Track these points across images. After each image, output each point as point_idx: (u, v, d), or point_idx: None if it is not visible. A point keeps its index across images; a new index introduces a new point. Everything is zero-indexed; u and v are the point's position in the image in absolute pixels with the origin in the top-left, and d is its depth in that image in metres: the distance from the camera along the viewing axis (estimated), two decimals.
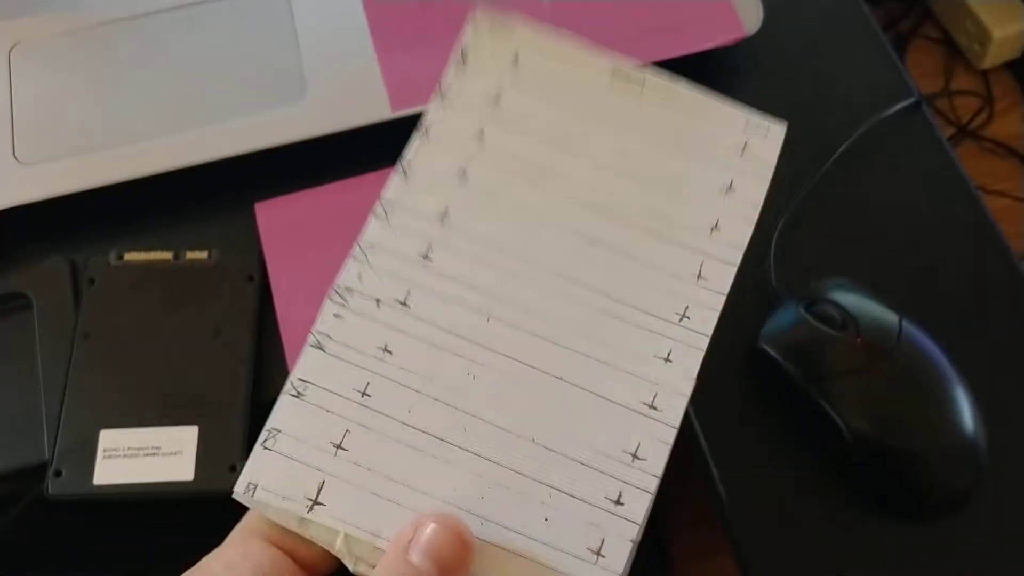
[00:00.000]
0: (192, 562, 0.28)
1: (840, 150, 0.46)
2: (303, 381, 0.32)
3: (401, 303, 0.33)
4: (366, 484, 0.30)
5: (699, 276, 0.34)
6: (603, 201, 0.34)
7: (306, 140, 0.46)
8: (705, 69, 0.50)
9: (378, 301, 0.33)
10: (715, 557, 0.58)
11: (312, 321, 0.34)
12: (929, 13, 0.91)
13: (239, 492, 0.30)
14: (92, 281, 0.44)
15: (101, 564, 0.52)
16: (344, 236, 0.45)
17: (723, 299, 0.33)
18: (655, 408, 0.32)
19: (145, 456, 0.40)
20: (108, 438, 0.40)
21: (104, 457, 0.40)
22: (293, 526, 0.30)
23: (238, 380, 0.42)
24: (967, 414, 0.38)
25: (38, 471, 0.40)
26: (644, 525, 0.30)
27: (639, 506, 0.30)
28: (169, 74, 0.49)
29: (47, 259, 0.45)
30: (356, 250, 0.34)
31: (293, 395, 0.31)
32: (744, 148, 0.36)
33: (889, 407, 0.38)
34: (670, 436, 0.31)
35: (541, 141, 0.35)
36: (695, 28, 0.48)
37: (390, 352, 0.32)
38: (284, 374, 0.42)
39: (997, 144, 0.85)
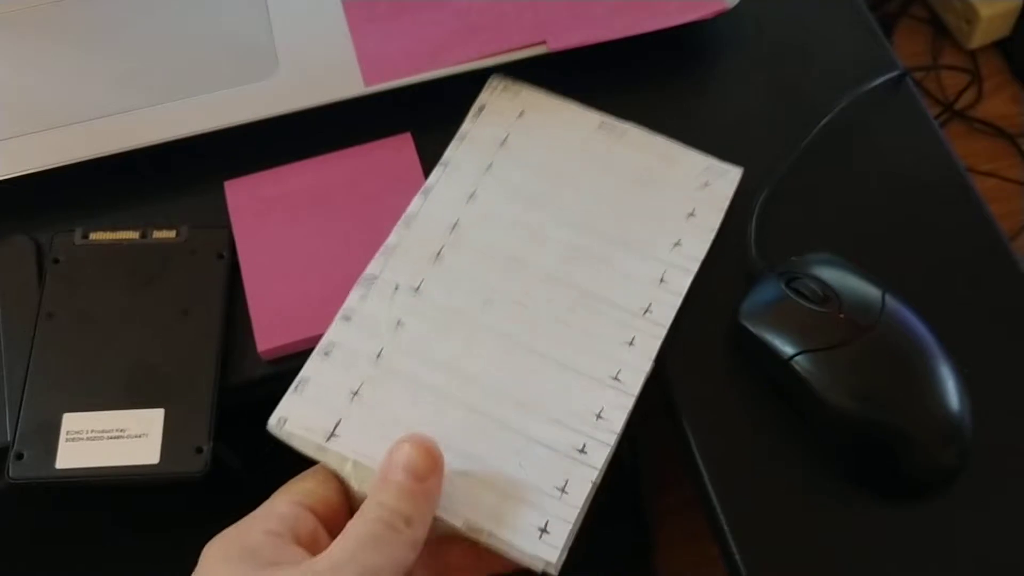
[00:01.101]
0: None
1: (821, 123, 0.45)
2: (331, 343, 0.40)
3: (414, 289, 0.41)
4: (374, 424, 0.38)
5: (661, 280, 0.42)
6: (585, 220, 0.43)
7: (277, 116, 0.45)
8: (688, 43, 0.49)
9: (396, 286, 0.41)
10: (700, 542, 0.58)
11: (281, 301, 0.42)
12: None
13: (272, 425, 0.38)
14: (56, 260, 0.43)
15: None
16: (314, 214, 0.44)
17: (681, 299, 0.41)
18: (619, 380, 0.40)
19: (109, 439, 0.39)
20: (71, 421, 0.39)
21: (67, 440, 0.39)
22: (311, 452, 0.37)
23: (206, 361, 0.40)
24: (952, 390, 0.37)
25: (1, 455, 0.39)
26: (603, 473, 0.37)
27: (599, 455, 0.38)
28: (136, 50, 0.47)
29: (11, 237, 0.44)
30: (382, 249, 0.42)
31: (321, 353, 0.40)
32: (706, 185, 0.44)
33: (872, 382, 0.37)
34: (630, 402, 0.39)
35: (537, 174, 0.45)
36: (670, 2, 0.47)
37: (403, 326, 0.40)
38: (252, 355, 0.41)
39: (986, 124, 0.84)
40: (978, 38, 0.85)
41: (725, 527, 0.38)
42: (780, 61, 0.49)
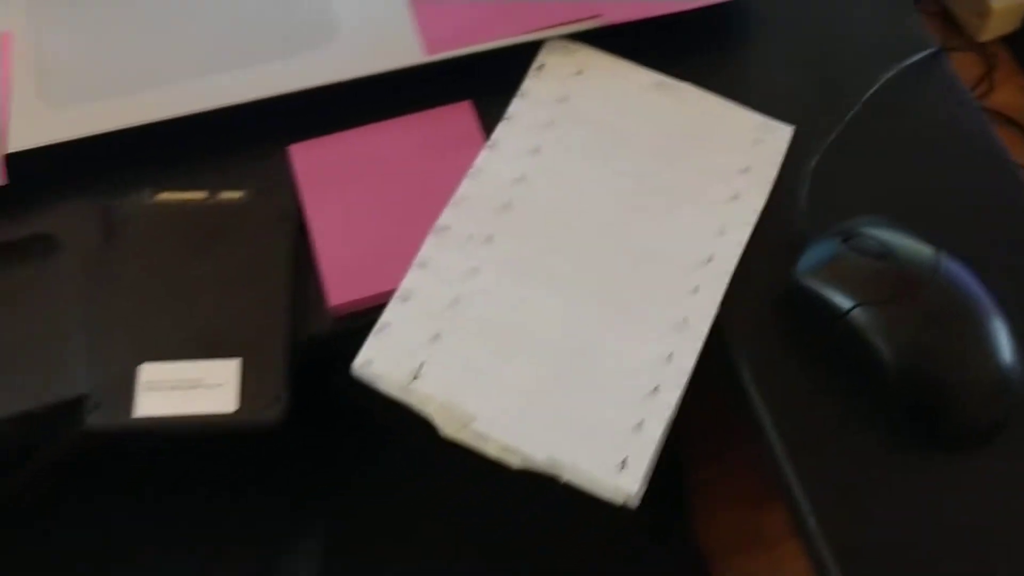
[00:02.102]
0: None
1: (868, 94, 0.47)
2: (409, 290, 0.41)
3: (487, 240, 0.43)
4: (456, 366, 0.40)
5: (722, 232, 0.43)
6: (645, 174, 0.45)
7: (339, 83, 0.46)
8: (732, 20, 0.51)
9: (469, 236, 0.43)
10: (739, 509, 0.59)
11: (350, 259, 0.43)
12: None
13: (357, 366, 0.39)
14: (125, 221, 0.44)
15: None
16: (378, 176, 0.45)
17: (741, 249, 0.43)
18: (687, 325, 0.41)
19: (187, 388, 0.40)
20: (148, 371, 0.40)
21: (145, 389, 0.40)
22: (396, 392, 0.39)
23: (278, 315, 0.41)
24: (1004, 345, 0.39)
25: (72, 407, 0.40)
26: (676, 411, 0.39)
27: (672, 395, 0.40)
28: (200, 18, 0.48)
29: (77, 201, 0.45)
30: (452, 201, 0.44)
31: (401, 299, 0.41)
32: (759, 141, 0.46)
33: (927, 336, 0.38)
34: (698, 345, 0.41)
35: (597, 129, 0.46)
36: None
37: (477, 272, 0.42)
38: (321, 312, 0.42)
39: (996, 114, 0.86)
40: (989, 31, 0.87)
41: (788, 471, 0.39)
42: (822, 35, 0.50)
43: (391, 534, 0.53)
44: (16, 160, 0.44)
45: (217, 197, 0.44)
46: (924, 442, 0.39)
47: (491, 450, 0.38)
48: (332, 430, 0.54)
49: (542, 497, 0.42)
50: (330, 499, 0.53)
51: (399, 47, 0.47)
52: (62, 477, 0.48)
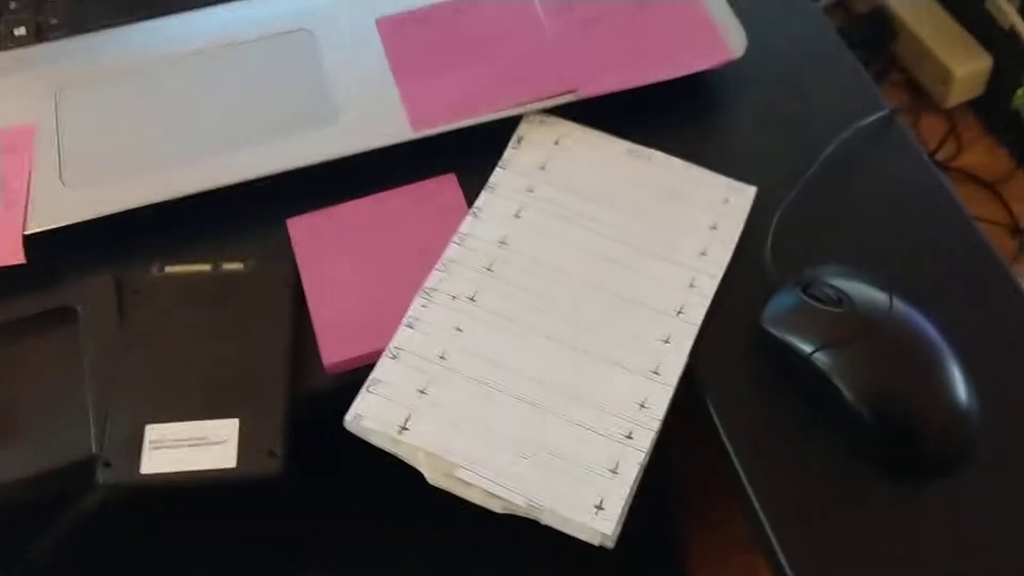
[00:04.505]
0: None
1: (824, 154, 0.51)
2: (398, 348, 0.44)
3: (470, 298, 0.46)
4: (441, 417, 0.42)
5: (691, 285, 0.47)
6: (620, 233, 0.48)
7: (333, 160, 0.50)
8: (698, 89, 0.55)
9: (454, 297, 0.46)
10: (732, 558, 0.60)
11: (343, 321, 0.46)
12: (893, 59, 0.98)
13: (348, 421, 0.42)
14: (136, 292, 0.47)
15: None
16: (369, 245, 0.49)
17: (710, 300, 0.46)
18: (658, 373, 0.44)
19: (189, 446, 0.42)
20: (154, 431, 0.43)
21: (151, 448, 0.42)
22: (386, 445, 0.42)
23: (276, 374, 0.44)
24: (957, 378, 0.41)
25: (85, 466, 0.42)
26: (649, 455, 0.41)
27: (645, 439, 0.42)
28: (205, 105, 0.52)
29: (93, 275, 0.48)
30: (439, 264, 0.47)
31: (390, 357, 0.44)
32: (726, 201, 0.50)
33: (885, 372, 0.41)
34: (670, 392, 0.43)
35: (574, 193, 0.50)
36: (689, 53, 0.53)
37: (461, 330, 0.45)
38: (318, 371, 0.45)
39: (964, 174, 0.90)
40: (953, 97, 0.92)
41: (755, 503, 0.41)
42: (783, 101, 0.54)
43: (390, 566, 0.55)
44: (34, 240, 0.47)
45: (221, 268, 0.48)
46: (890, 475, 0.42)
47: (475, 496, 0.40)
48: (334, 474, 0.56)
49: (535, 537, 0.44)
50: (332, 535, 0.55)
51: (388, 125, 0.51)
52: (78, 544, 0.50)
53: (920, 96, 0.96)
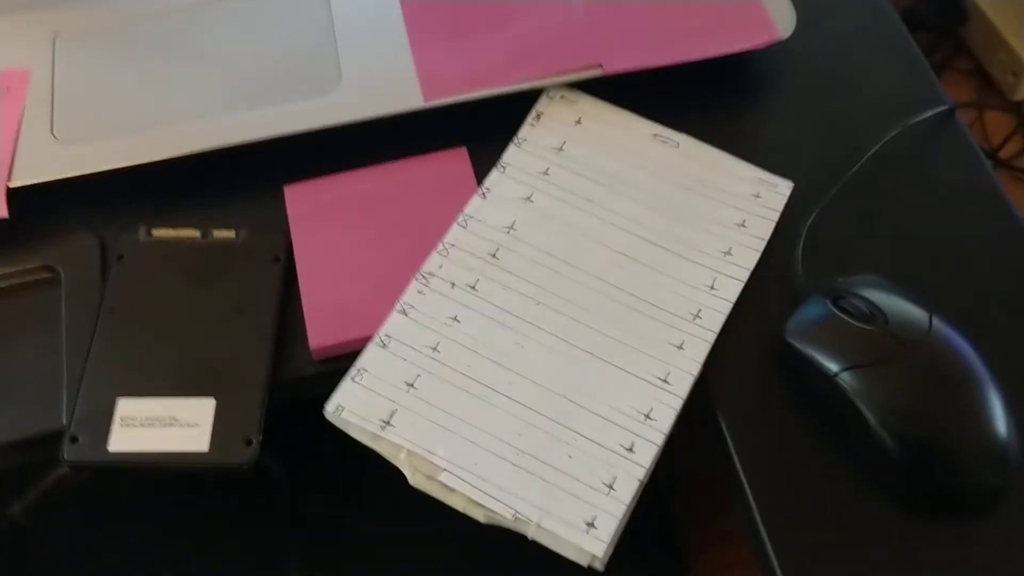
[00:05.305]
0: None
1: (871, 152, 0.46)
2: (388, 336, 0.41)
3: (471, 287, 0.42)
4: (428, 415, 0.39)
5: (712, 287, 0.42)
6: (638, 226, 0.44)
7: (337, 127, 0.47)
8: (737, 72, 0.50)
9: (453, 284, 0.42)
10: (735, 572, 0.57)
11: (334, 302, 0.43)
12: (962, 45, 0.91)
13: (329, 412, 0.39)
14: (120, 256, 0.44)
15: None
16: (369, 220, 0.46)
17: (731, 306, 0.42)
18: (667, 382, 0.40)
19: (162, 426, 0.40)
20: (126, 406, 0.40)
21: (121, 425, 0.40)
22: (366, 440, 0.38)
23: (259, 356, 0.41)
24: (998, 412, 0.37)
25: (55, 439, 0.40)
26: (650, 471, 0.38)
27: (647, 454, 0.38)
28: (207, 62, 0.49)
29: (77, 235, 0.46)
30: (440, 247, 0.44)
31: (379, 345, 0.41)
32: (757, 196, 0.45)
33: (917, 400, 0.37)
34: (678, 404, 0.39)
35: (592, 179, 0.46)
36: (731, 31, 0.48)
37: (458, 321, 0.41)
38: (304, 354, 0.42)
39: None
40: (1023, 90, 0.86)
41: (764, 534, 0.37)
42: (831, 90, 0.49)
43: (373, 559, 0.52)
44: (18, 193, 0.45)
45: (211, 236, 0.45)
46: (916, 511, 0.38)
47: (457, 503, 0.37)
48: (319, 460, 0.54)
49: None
50: (312, 525, 0.53)
51: (399, 93, 0.47)
52: (48, 514, 0.48)
53: (988, 87, 0.89)
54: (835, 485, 0.38)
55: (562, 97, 0.48)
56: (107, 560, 0.55)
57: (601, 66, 0.47)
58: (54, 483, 0.48)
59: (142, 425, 0.40)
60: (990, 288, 0.43)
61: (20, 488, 0.51)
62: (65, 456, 0.39)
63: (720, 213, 0.44)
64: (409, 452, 0.38)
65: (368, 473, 0.52)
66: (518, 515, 0.36)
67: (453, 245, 0.43)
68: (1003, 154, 0.85)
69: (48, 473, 0.49)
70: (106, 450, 0.39)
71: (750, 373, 0.41)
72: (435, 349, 0.41)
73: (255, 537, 0.56)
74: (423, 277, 0.43)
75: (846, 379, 0.38)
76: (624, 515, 0.36)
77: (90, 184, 0.45)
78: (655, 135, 0.47)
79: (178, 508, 0.55)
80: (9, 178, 0.45)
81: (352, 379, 0.40)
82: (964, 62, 0.91)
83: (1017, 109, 0.87)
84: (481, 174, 0.46)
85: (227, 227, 0.45)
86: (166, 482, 0.53)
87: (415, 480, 0.37)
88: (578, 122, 0.47)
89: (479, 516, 0.37)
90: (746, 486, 0.39)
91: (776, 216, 0.44)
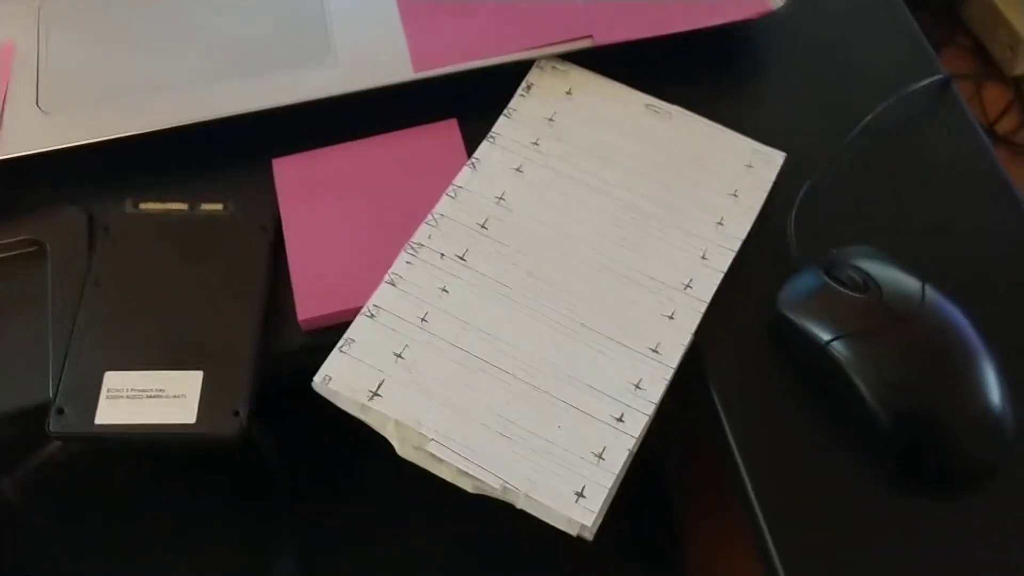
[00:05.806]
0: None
1: (865, 120, 0.46)
2: (377, 307, 0.41)
3: (460, 258, 0.42)
4: (416, 385, 0.39)
5: (703, 257, 0.42)
6: (629, 196, 0.44)
7: (326, 99, 0.46)
8: (730, 43, 0.50)
9: (442, 255, 0.42)
10: (730, 547, 0.57)
11: (323, 274, 0.43)
12: (960, 22, 0.91)
13: (316, 382, 0.39)
14: (107, 229, 0.44)
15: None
16: (358, 192, 0.45)
17: (722, 276, 0.42)
18: (658, 352, 0.40)
19: (148, 398, 0.40)
20: (112, 379, 0.40)
21: (107, 397, 0.39)
22: (354, 411, 0.38)
23: (247, 328, 0.41)
24: (993, 385, 0.37)
25: (42, 411, 0.40)
26: (640, 441, 0.38)
27: (637, 424, 0.38)
28: (194, 34, 0.49)
29: (64, 208, 0.45)
30: (429, 218, 0.43)
31: (368, 315, 0.40)
32: (749, 167, 0.45)
33: (910, 370, 0.37)
34: (669, 374, 0.39)
35: (583, 150, 0.45)
36: (722, 2, 0.48)
37: (447, 292, 0.41)
38: (292, 326, 0.42)
39: None
40: (1021, 64, 0.85)
41: (756, 506, 0.37)
42: (827, 63, 0.49)
43: (369, 541, 0.52)
44: (4, 166, 0.44)
45: (199, 209, 0.45)
46: (910, 484, 0.38)
47: (445, 473, 0.37)
48: (311, 438, 0.53)
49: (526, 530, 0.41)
50: (306, 505, 0.53)
51: (389, 65, 0.47)
52: (40, 490, 0.48)
53: (987, 62, 0.89)
54: (828, 457, 0.38)
55: (553, 68, 0.47)
56: (98, 545, 0.55)
57: (592, 37, 0.47)
58: (44, 460, 0.48)
59: (129, 397, 0.40)
60: (985, 259, 0.43)
61: (10, 465, 0.51)
62: (51, 428, 0.39)
63: (712, 183, 0.44)
64: (397, 423, 0.37)
65: (363, 452, 0.52)
66: (507, 485, 0.36)
67: (442, 216, 0.43)
68: (1000, 128, 0.84)
69: (37, 450, 0.49)
70: (93, 422, 0.39)
71: (742, 344, 0.41)
72: (424, 320, 0.40)
73: (248, 517, 0.56)
74: (412, 248, 0.42)
75: (838, 348, 0.37)
76: (613, 485, 0.36)
77: (76, 156, 0.45)
78: (647, 106, 0.46)
79: (170, 493, 0.55)
80: None
81: (340, 350, 0.40)
82: (962, 38, 0.90)
83: (1016, 84, 0.87)
84: (472, 146, 0.46)
85: (215, 200, 0.45)
86: (159, 462, 0.53)
87: (403, 451, 0.37)
88: (569, 93, 0.47)
89: (467, 486, 0.37)
90: (738, 457, 0.38)
91: (768, 186, 0.44)
